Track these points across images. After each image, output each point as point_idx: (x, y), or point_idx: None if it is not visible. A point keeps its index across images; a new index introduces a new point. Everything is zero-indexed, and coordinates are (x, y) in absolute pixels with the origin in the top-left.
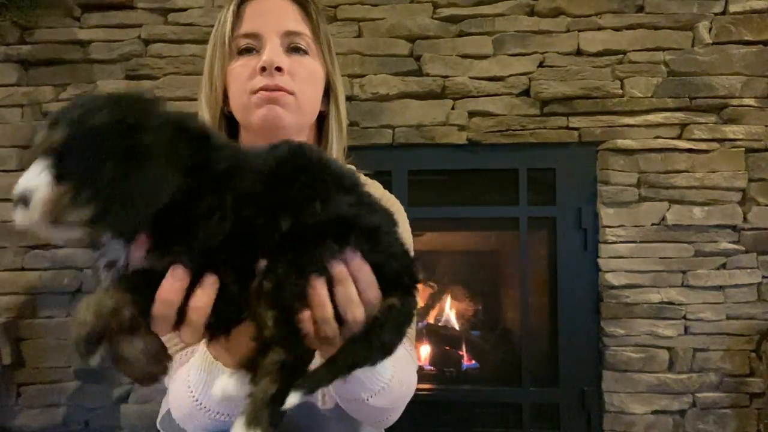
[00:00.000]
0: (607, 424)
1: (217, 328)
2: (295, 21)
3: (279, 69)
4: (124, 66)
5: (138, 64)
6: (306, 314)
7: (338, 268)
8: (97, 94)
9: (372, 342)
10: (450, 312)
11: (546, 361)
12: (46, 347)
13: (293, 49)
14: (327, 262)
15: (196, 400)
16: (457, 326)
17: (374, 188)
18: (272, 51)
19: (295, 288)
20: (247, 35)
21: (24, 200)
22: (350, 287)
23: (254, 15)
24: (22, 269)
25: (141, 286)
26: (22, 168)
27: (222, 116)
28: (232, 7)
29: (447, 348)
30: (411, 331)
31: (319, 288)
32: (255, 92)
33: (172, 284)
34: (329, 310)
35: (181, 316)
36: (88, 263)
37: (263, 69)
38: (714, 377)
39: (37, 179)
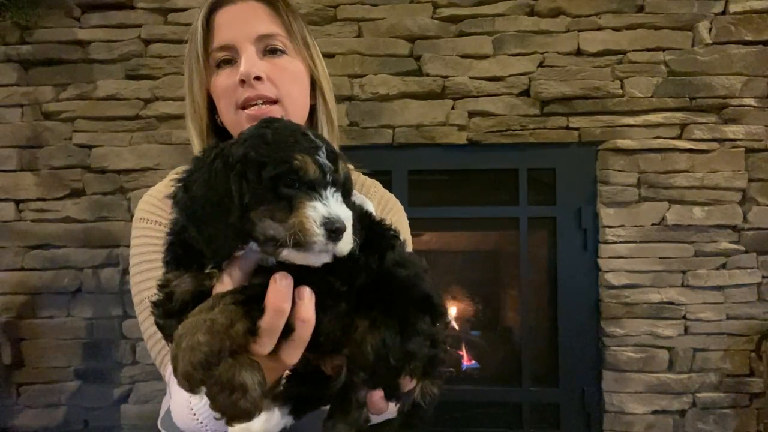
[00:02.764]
0: (607, 424)
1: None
2: (265, 23)
3: (258, 78)
4: (124, 66)
5: (138, 64)
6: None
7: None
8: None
9: (410, 424)
10: (450, 312)
11: (546, 361)
12: (46, 347)
13: (270, 51)
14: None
15: (200, 423)
16: (457, 326)
17: (374, 188)
18: (248, 62)
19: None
20: (221, 48)
21: (339, 230)
22: None
23: (224, 25)
24: (22, 269)
25: (252, 299)
26: (22, 168)
27: (210, 130)
28: (200, 21)
29: (447, 348)
30: None
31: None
32: (242, 107)
33: (280, 290)
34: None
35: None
36: (88, 263)
37: (243, 82)
38: (714, 377)
39: (344, 211)
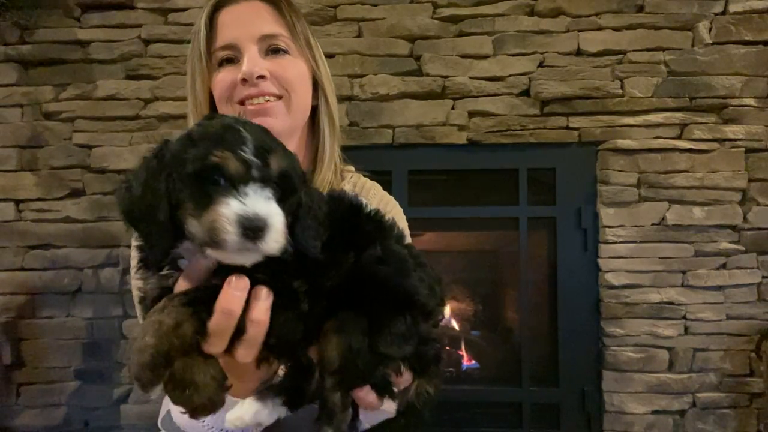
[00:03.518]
0: (607, 424)
1: (271, 350)
2: (269, 23)
3: (261, 77)
4: (124, 66)
5: (138, 64)
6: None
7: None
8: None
9: (405, 426)
10: (450, 312)
11: (546, 361)
12: (46, 347)
13: (273, 51)
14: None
15: (203, 422)
16: (457, 326)
17: (374, 190)
18: (251, 61)
19: (367, 355)
20: (224, 47)
21: (256, 228)
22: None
23: (227, 25)
24: (22, 269)
25: (200, 300)
26: (22, 168)
27: None
28: (204, 20)
29: (447, 348)
30: None
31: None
32: (241, 103)
33: (233, 293)
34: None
35: (236, 334)
36: (88, 263)
37: (244, 80)
38: (714, 377)
39: (268, 208)
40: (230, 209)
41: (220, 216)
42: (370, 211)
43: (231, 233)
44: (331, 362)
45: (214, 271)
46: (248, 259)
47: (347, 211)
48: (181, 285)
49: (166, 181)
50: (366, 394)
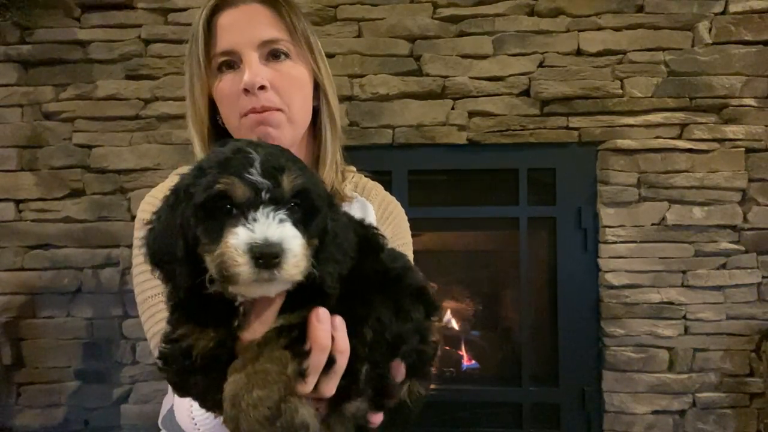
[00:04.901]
0: (607, 424)
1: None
2: (268, 28)
3: (262, 88)
4: (124, 66)
5: (138, 64)
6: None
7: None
8: (254, 141)
9: (395, 423)
10: (450, 312)
11: (546, 361)
12: (46, 347)
13: (273, 56)
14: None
15: (198, 430)
16: (457, 326)
17: (376, 191)
18: (252, 70)
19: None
20: (223, 53)
21: (269, 255)
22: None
23: (226, 29)
24: (22, 269)
25: (294, 340)
26: (22, 168)
27: (211, 132)
28: (201, 23)
29: (447, 348)
30: None
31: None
32: (244, 115)
33: (323, 327)
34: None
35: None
36: (88, 263)
37: (246, 90)
38: (714, 377)
39: (280, 231)
40: (239, 238)
41: (228, 248)
42: (361, 219)
43: (242, 265)
44: (364, 333)
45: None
46: (272, 291)
47: (353, 222)
48: (256, 328)
49: (181, 216)
50: (398, 365)
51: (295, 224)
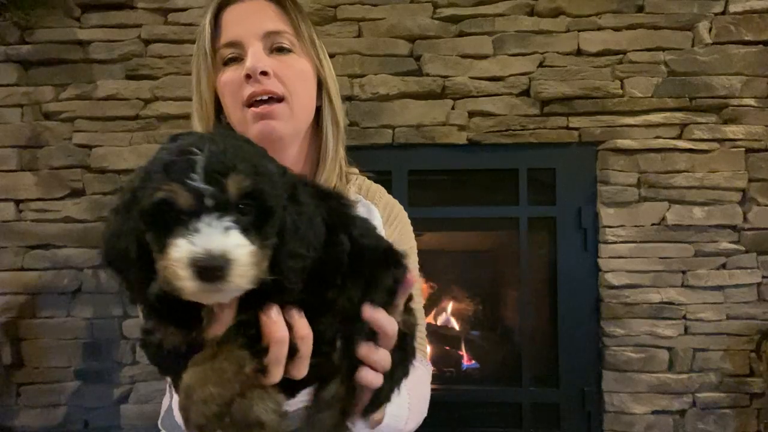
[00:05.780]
0: (607, 424)
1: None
2: (273, 20)
3: (264, 73)
4: (124, 66)
5: (138, 64)
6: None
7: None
8: (206, 135)
9: (392, 381)
10: (450, 312)
11: (546, 361)
12: (46, 347)
13: (277, 49)
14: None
15: None
16: (457, 326)
17: (379, 193)
18: (254, 56)
19: (362, 325)
20: (228, 45)
21: (210, 268)
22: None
23: (232, 22)
24: (22, 269)
25: (251, 338)
26: (22, 168)
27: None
28: (209, 18)
29: (447, 348)
30: (423, 341)
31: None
32: (247, 104)
33: (278, 322)
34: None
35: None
36: (88, 263)
37: (248, 77)
38: (714, 377)
39: (229, 239)
40: (180, 251)
41: (170, 261)
42: (329, 189)
43: (185, 279)
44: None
45: (240, 305)
46: (223, 298)
47: (321, 195)
48: (216, 328)
49: (133, 220)
50: (367, 350)
51: (246, 229)
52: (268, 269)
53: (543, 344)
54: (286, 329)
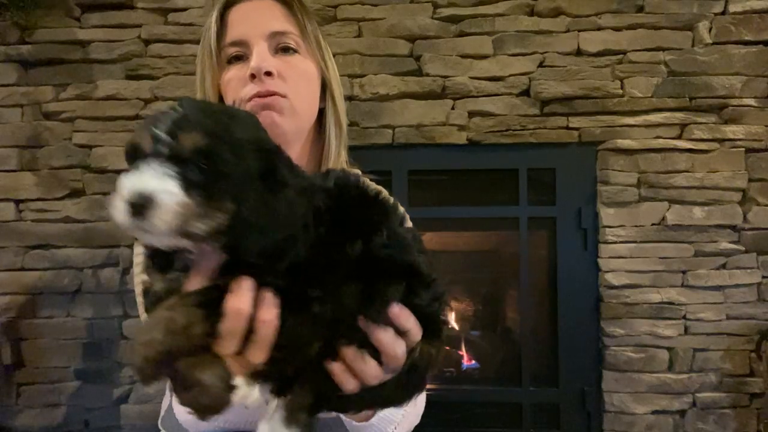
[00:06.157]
0: (607, 424)
1: (279, 349)
2: (279, 21)
3: (268, 74)
4: (124, 66)
5: (138, 64)
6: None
7: (395, 311)
8: (203, 101)
9: (407, 386)
10: (450, 312)
11: (546, 361)
12: (46, 347)
13: (282, 49)
14: (389, 307)
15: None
16: (457, 326)
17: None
18: (259, 56)
19: (355, 336)
20: (233, 43)
21: (141, 204)
22: (404, 334)
23: (238, 21)
24: (22, 269)
25: (213, 301)
26: (22, 168)
27: None
28: (215, 16)
29: (447, 348)
30: None
31: (382, 336)
32: (249, 100)
33: (243, 295)
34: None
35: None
36: (88, 263)
37: (253, 76)
38: (714, 377)
39: (161, 184)
40: (121, 186)
41: (116, 195)
42: (375, 194)
43: (120, 212)
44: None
45: (223, 269)
46: (159, 242)
47: (354, 198)
48: (193, 282)
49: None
50: (352, 355)
51: (190, 183)
52: (222, 233)
53: (543, 344)
54: (247, 305)
